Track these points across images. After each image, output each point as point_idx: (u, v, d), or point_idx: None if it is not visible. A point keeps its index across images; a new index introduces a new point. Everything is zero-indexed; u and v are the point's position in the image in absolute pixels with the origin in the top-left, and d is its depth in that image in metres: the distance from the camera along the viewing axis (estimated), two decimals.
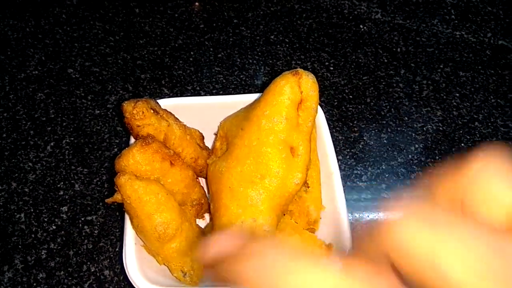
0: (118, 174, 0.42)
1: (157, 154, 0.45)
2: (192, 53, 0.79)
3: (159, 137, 0.48)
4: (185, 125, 0.53)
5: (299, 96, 0.45)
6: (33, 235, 0.57)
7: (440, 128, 0.70)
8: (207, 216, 0.55)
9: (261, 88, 0.74)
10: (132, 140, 0.51)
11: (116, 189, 0.43)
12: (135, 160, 0.44)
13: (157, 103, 0.51)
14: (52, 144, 0.66)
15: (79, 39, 0.80)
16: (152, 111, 0.48)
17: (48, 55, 0.78)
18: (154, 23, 0.83)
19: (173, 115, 0.52)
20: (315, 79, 0.46)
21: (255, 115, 0.46)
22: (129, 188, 0.42)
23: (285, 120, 0.45)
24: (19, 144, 0.66)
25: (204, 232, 0.49)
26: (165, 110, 0.51)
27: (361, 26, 0.84)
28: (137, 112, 0.46)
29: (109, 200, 0.44)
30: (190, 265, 0.45)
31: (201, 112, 0.57)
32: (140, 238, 0.45)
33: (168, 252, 0.44)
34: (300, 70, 0.46)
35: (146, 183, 0.42)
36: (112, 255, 0.56)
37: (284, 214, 0.48)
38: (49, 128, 0.68)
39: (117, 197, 0.43)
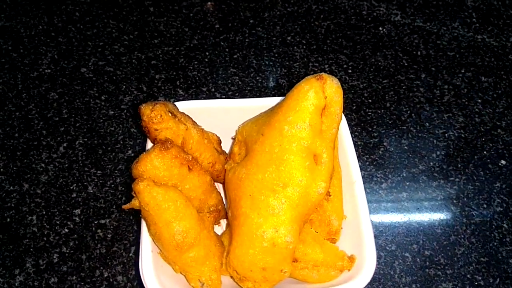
0: (136, 180, 0.41)
1: (176, 159, 0.43)
2: (207, 53, 0.77)
3: (177, 141, 0.47)
4: (202, 129, 0.51)
5: (323, 102, 0.44)
6: (45, 238, 0.56)
7: (462, 135, 0.68)
8: (223, 222, 0.54)
9: (277, 91, 0.73)
10: (149, 143, 0.49)
11: (134, 195, 0.41)
12: (153, 165, 0.42)
13: (175, 106, 0.50)
14: (65, 145, 0.65)
15: (93, 37, 0.79)
16: (170, 115, 0.46)
17: (61, 53, 0.77)
18: (168, 22, 0.82)
19: (191, 118, 0.50)
20: (339, 84, 0.45)
21: (277, 120, 0.44)
22: (147, 194, 0.40)
23: (309, 127, 0.43)
24: (31, 144, 0.65)
25: (222, 240, 0.48)
26: (183, 113, 0.50)
27: (380, 28, 0.82)
28: (155, 116, 0.45)
29: (126, 206, 0.42)
30: (208, 274, 0.44)
31: (218, 116, 0.55)
32: (157, 246, 0.44)
33: (185, 261, 0.43)
34: (324, 75, 0.44)
35: (165, 190, 0.41)
36: (125, 260, 0.55)
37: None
38: (62, 129, 0.67)
39: (134, 203, 0.42)
